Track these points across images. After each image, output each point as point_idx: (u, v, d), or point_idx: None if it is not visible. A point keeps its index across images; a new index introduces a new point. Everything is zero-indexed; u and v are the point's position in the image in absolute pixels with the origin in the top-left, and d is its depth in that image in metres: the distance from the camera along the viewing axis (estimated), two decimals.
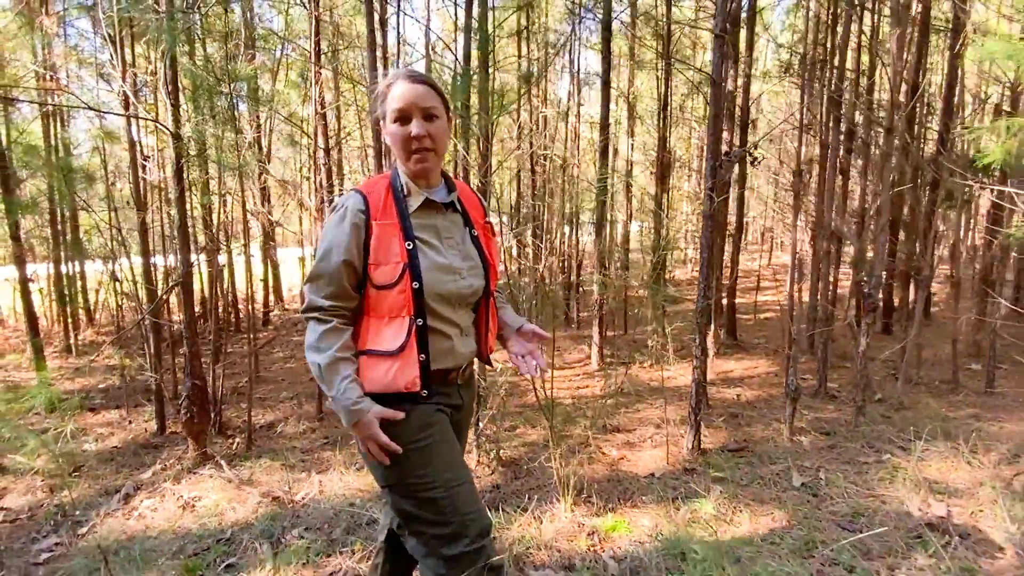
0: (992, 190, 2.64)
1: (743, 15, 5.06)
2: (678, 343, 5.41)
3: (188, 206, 4.38)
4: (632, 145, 8.84)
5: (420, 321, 1.29)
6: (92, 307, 7.98)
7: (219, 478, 3.08)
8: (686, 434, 3.17)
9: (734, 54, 5.37)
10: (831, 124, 3.49)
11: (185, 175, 3.22)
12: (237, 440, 3.63)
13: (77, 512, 2.80)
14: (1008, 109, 3.00)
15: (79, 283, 7.46)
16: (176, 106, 3.08)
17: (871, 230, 3.23)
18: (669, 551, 2.25)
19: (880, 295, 5.77)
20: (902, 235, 4.68)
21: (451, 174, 1.52)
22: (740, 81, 4.92)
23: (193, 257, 4.11)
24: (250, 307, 5.44)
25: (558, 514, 2.54)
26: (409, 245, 1.29)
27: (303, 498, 2.85)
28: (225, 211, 4.62)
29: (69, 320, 6.44)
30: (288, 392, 4.71)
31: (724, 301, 5.50)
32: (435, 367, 1.32)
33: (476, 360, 1.56)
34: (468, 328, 1.41)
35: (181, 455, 3.39)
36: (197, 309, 5.41)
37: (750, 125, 5.39)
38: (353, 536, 2.44)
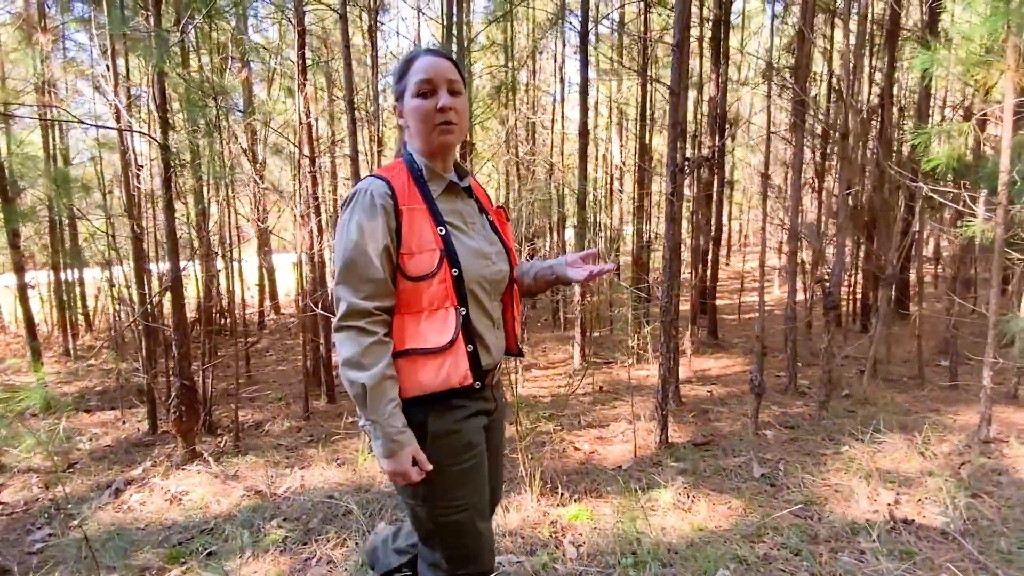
0: (939, 192, 2.76)
1: (728, 23, 5.20)
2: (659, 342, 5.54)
3: (183, 213, 4.54)
4: (622, 150, 9.00)
5: (464, 311, 1.20)
6: (91, 313, 8.14)
7: (206, 474, 3.22)
8: (654, 429, 3.29)
9: (717, 62, 5.52)
10: (794, 130, 3.63)
11: (173, 184, 3.37)
12: (225, 438, 3.76)
13: (69, 506, 2.93)
14: (982, 114, 3.14)
15: (78, 289, 7.62)
16: (164, 118, 3.23)
17: (831, 232, 3.35)
18: (625, 537, 2.37)
19: (857, 295, 5.89)
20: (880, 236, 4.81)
21: None
22: (709, 90, 5.06)
23: (184, 263, 4.27)
24: (234, 312, 5.58)
25: (524, 504, 2.67)
26: (442, 231, 1.20)
27: (284, 491, 2.99)
28: (215, 218, 4.77)
29: (68, 325, 6.60)
30: (277, 393, 4.85)
31: (710, 302, 5.63)
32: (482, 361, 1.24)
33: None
34: (499, 320, 1.33)
35: (170, 452, 3.53)
36: (192, 314, 5.56)
37: (728, 129, 5.53)
38: (329, 526, 2.57)
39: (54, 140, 6.08)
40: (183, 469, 3.29)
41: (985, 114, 2.65)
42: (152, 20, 3.26)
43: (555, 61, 6.81)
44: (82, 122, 3.02)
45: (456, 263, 1.19)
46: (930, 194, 2.82)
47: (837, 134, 2.99)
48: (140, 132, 3.32)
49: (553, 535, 2.45)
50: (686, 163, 2.86)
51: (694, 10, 7.20)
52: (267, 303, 8.91)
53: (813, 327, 5.73)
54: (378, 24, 5.98)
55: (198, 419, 3.57)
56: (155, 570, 2.32)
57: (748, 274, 11.47)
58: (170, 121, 4.18)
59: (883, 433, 3.20)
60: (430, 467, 1.19)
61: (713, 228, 5.51)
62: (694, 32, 6.76)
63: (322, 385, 4.44)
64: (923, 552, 2.25)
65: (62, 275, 6.90)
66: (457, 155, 1.36)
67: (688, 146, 6.64)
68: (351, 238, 1.17)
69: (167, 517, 2.78)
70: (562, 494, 2.77)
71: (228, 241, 5.94)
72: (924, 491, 2.66)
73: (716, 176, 5.41)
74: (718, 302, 7.49)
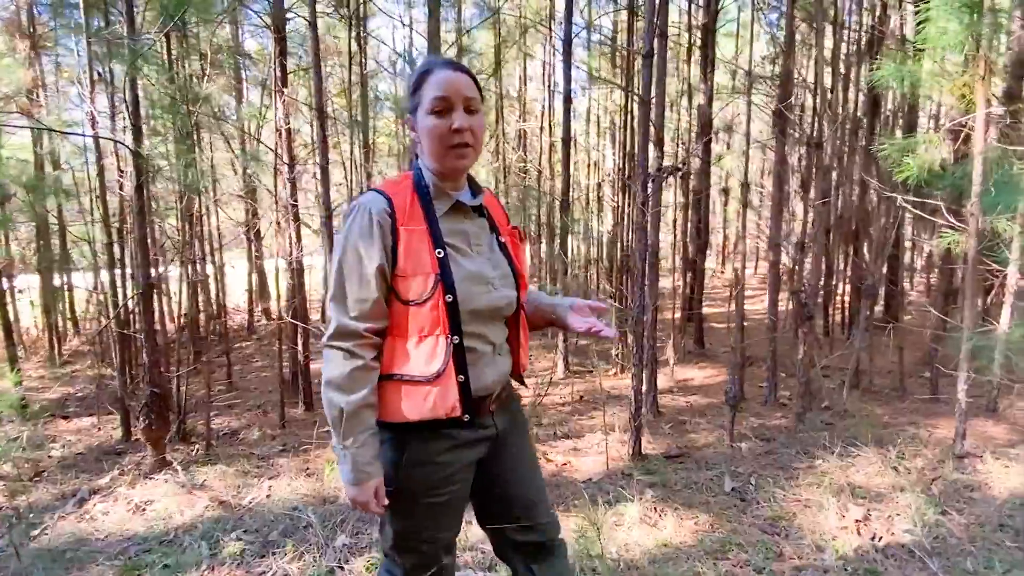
0: (916, 203, 2.73)
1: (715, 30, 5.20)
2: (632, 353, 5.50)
3: (164, 221, 4.52)
4: (614, 157, 8.99)
5: (456, 339, 1.14)
6: (79, 318, 8.13)
7: (173, 483, 3.19)
8: (627, 441, 3.26)
9: (706, 68, 5.52)
10: (776, 139, 3.61)
11: (145, 191, 3.36)
12: (197, 446, 3.73)
13: (31, 515, 2.90)
14: (955, 124, 3.12)
15: (67, 294, 7.62)
16: (136, 125, 3.23)
17: (808, 242, 3.33)
18: (586, 552, 2.33)
19: (846, 305, 5.85)
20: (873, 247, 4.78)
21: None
22: (698, 98, 5.05)
23: (159, 269, 4.25)
24: (217, 318, 5.56)
25: None
26: (439, 253, 1.14)
27: (249, 502, 2.95)
28: (193, 224, 4.75)
29: (53, 330, 6.59)
30: (256, 400, 4.82)
31: (695, 311, 5.59)
32: (474, 391, 1.19)
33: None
34: (502, 346, 1.27)
35: (140, 461, 3.50)
36: (171, 321, 5.55)
37: (714, 137, 5.51)
38: (288, 539, 2.53)
39: (40, 146, 6.09)
40: (151, 478, 3.26)
41: (963, 124, 2.63)
42: (125, 28, 3.27)
43: (543, 69, 6.83)
44: (51, 129, 3.02)
45: (451, 288, 1.13)
46: (904, 204, 2.79)
47: (813, 144, 2.97)
48: (111, 139, 3.30)
49: None
50: (658, 172, 2.84)
51: (683, 18, 7.20)
52: (258, 308, 8.89)
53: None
54: (365, 34, 5.99)
55: (169, 427, 3.55)
56: None
57: (757, 278, 11.44)
58: (151, 127, 4.19)
59: (858, 447, 3.15)
60: (385, 503, 1.17)
61: (700, 236, 5.49)
62: (685, 40, 6.77)
63: (300, 393, 4.41)
64: (887, 571, 2.21)
65: (53, 280, 6.90)
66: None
67: (676, 153, 6.62)
68: (346, 255, 1.14)
69: (128, 528, 2.75)
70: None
71: (211, 247, 5.93)
72: (895, 507, 2.62)
73: (702, 184, 5.39)
74: (710, 311, 7.46)
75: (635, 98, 6.16)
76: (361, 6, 5.40)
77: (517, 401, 1.42)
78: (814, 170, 3.06)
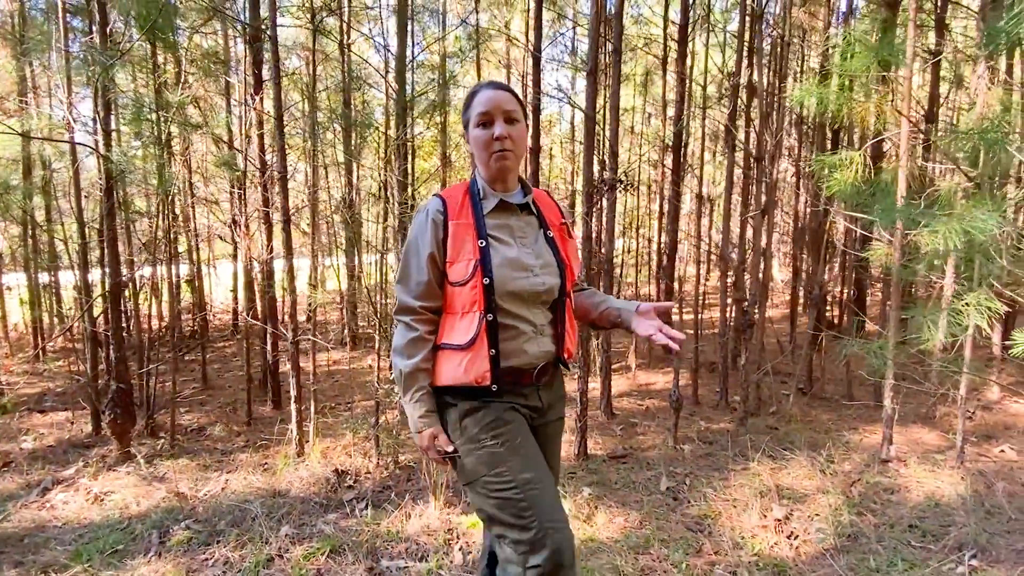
0: (848, 216, 2.86)
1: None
2: (614, 356, 5.62)
3: (153, 221, 4.65)
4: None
5: (490, 316, 1.32)
6: (65, 315, 8.25)
7: (135, 475, 3.31)
8: (573, 441, 3.38)
9: (682, 84, 5.65)
10: (725, 153, 3.75)
11: (115, 193, 3.49)
12: (163, 441, 3.86)
13: None
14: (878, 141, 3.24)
15: (54, 292, 7.75)
16: (107, 130, 3.36)
17: (750, 252, 3.45)
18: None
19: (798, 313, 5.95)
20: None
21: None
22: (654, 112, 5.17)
23: (137, 269, 4.38)
24: (197, 317, 5.68)
25: (427, 512, 2.75)
26: (482, 243, 1.33)
27: (205, 495, 3.08)
28: (169, 226, 4.88)
29: (38, 327, 6.72)
30: (227, 398, 4.95)
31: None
32: (506, 364, 1.33)
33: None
34: (543, 327, 1.40)
35: (106, 454, 3.62)
36: (164, 321, 5.68)
37: (683, 148, 5.65)
38: (235, 528, 2.65)
39: (27, 148, 6.23)
40: (114, 470, 3.38)
41: (882, 141, 2.75)
42: (97, 37, 3.41)
43: (522, 81, 6.98)
44: (20, 133, 3.15)
45: (488, 273, 1.31)
46: (836, 217, 2.92)
47: (753, 158, 3.10)
48: (82, 144, 3.44)
49: (447, 541, 2.53)
50: (601, 184, 2.97)
51: (655, 31, 7.35)
52: (242, 308, 9.02)
53: (766, 345, 5.80)
54: (348, 44, 6.15)
55: (135, 422, 3.67)
56: (58, 567, 2.40)
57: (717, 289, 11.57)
58: (129, 132, 4.33)
59: (792, 451, 3.27)
60: (451, 448, 1.34)
61: (668, 245, 5.61)
62: (659, 51, 6.91)
63: (268, 391, 4.53)
64: (797, 568, 2.32)
65: (37, 277, 7.03)
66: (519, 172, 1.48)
67: (655, 165, 6.73)
68: (408, 246, 1.39)
69: (85, 517, 2.87)
70: (469, 503, 2.85)
71: (191, 247, 6.07)
72: (816, 508, 2.73)
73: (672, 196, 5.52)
74: (689, 317, 7.58)
75: (604, 111, 6.30)
76: (344, 24, 5.55)
77: (562, 399, 1.54)
78: (752, 184, 3.19)
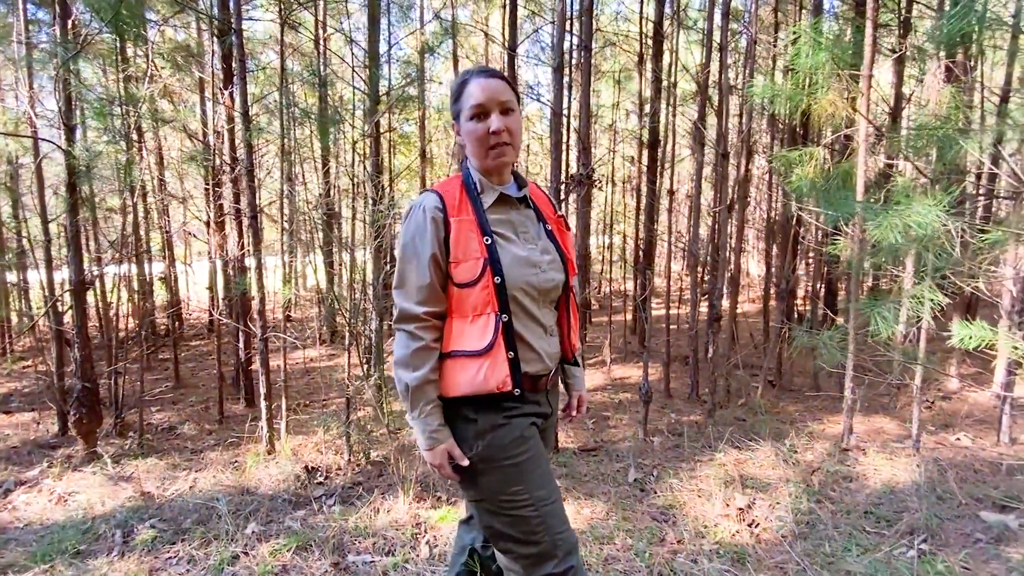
0: (804, 211, 2.93)
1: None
2: (589, 350, 5.67)
3: (120, 218, 4.57)
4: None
5: (505, 317, 1.24)
6: (34, 314, 8.08)
7: (101, 475, 3.27)
8: None
9: (657, 81, 5.70)
10: (693, 151, 3.81)
11: (78, 189, 3.43)
12: (132, 440, 3.81)
13: None
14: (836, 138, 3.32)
15: (22, 291, 7.58)
16: (68, 125, 3.30)
17: (714, 246, 3.51)
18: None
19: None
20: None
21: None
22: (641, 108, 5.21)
23: (102, 267, 4.31)
24: (142, 317, 5.61)
25: (396, 507, 2.76)
26: (487, 240, 1.25)
27: (172, 493, 3.05)
28: (137, 223, 4.81)
29: (6, 326, 6.57)
30: (200, 397, 4.90)
31: (634, 313, 5.77)
32: (524, 370, 1.27)
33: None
34: (552, 327, 1.36)
35: (72, 454, 3.57)
36: (129, 318, 5.58)
37: (659, 144, 5.71)
38: (201, 527, 2.64)
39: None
40: (79, 471, 3.34)
41: (850, 137, 2.82)
42: (58, 30, 3.34)
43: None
44: None
45: (499, 271, 1.23)
46: (799, 213, 2.98)
47: (720, 154, 3.16)
48: (44, 139, 3.37)
49: (414, 536, 2.54)
50: (568, 180, 2.99)
51: (632, 28, 7.40)
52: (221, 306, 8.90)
53: (738, 339, 5.91)
54: (325, 39, 6.09)
55: (101, 421, 3.62)
56: (18, 568, 2.37)
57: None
58: (94, 127, 4.24)
59: (758, 441, 3.34)
60: (466, 462, 1.26)
61: (644, 241, 5.67)
62: (637, 48, 6.96)
63: (240, 389, 4.50)
64: (756, 554, 2.38)
65: (6, 276, 6.87)
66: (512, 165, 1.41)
67: (634, 160, 6.77)
68: (405, 248, 1.27)
69: (48, 517, 2.83)
70: (439, 497, 2.87)
71: (164, 245, 5.98)
72: (777, 496, 2.80)
73: (649, 191, 5.59)
74: (669, 312, 7.67)
75: (578, 109, 6.32)
76: (318, 20, 5.50)
77: (559, 396, 1.51)
78: (718, 179, 3.25)
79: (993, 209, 4.85)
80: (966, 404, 4.09)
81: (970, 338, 1.81)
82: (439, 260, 1.25)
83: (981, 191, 4.49)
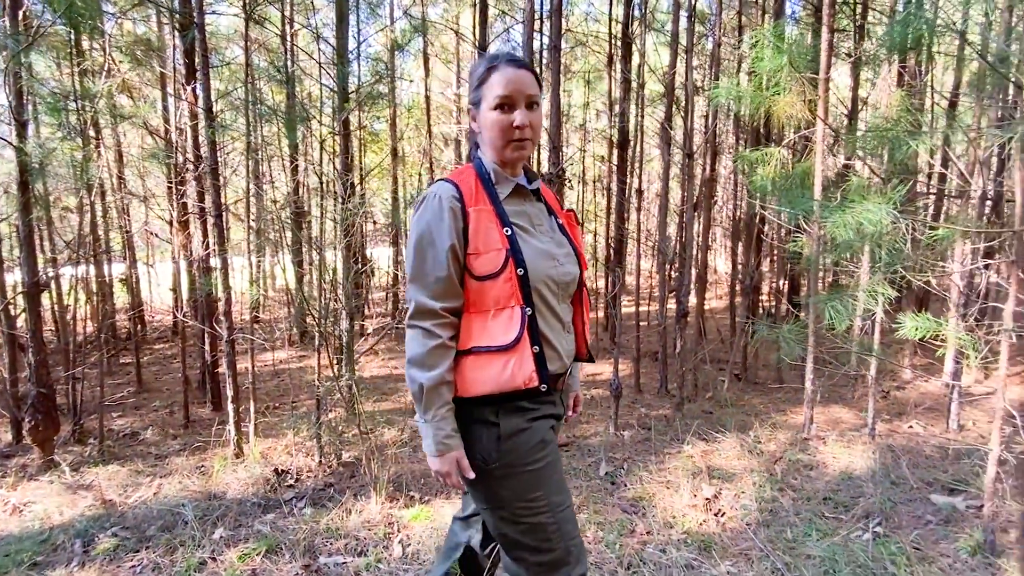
0: (766, 210, 3.04)
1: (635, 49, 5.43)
2: None
3: (77, 217, 4.40)
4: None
5: (530, 311, 1.20)
6: None
7: (59, 484, 3.15)
8: None
9: (627, 82, 5.79)
10: (661, 150, 3.89)
11: (31, 187, 3.30)
12: (91, 447, 3.68)
13: None
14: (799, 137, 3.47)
15: None
16: (20, 121, 3.17)
17: (681, 244, 3.59)
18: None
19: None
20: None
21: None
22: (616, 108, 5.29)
23: (56, 269, 4.15)
24: (101, 320, 5.43)
25: (368, 508, 2.75)
26: (507, 231, 1.21)
27: (135, 501, 2.97)
28: (95, 223, 4.65)
29: None
30: (164, 401, 4.76)
31: (606, 310, 5.85)
32: (549, 366, 1.23)
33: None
34: (569, 324, 1.32)
35: (28, 463, 3.43)
36: (95, 323, 5.38)
37: (628, 143, 5.80)
38: (166, 534, 2.58)
39: None
40: (35, 480, 3.21)
41: (808, 138, 2.94)
42: (8, 21, 3.20)
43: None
44: None
45: (522, 263, 1.19)
46: (761, 210, 3.08)
47: (685, 154, 3.25)
48: None
49: (387, 536, 2.54)
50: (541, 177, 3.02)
51: (601, 29, 7.49)
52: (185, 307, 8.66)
53: (706, 334, 6.05)
54: (293, 34, 5.99)
55: (58, 428, 3.49)
56: None
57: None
58: (49, 123, 4.08)
59: (724, 433, 3.44)
60: (472, 474, 1.21)
61: (614, 240, 5.76)
62: (609, 49, 7.04)
63: (207, 393, 4.39)
64: (722, 542, 2.46)
65: None
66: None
67: (605, 158, 6.84)
68: (420, 239, 1.20)
69: (2, 529, 2.71)
70: (412, 496, 2.86)
71: (124, 246, 5.79)
72: (742, 486, 2.89)
73: (619, 191, 5.68)
74: (640, 309, 7.80)
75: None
76: (284, 15, 5.40)
77: (567, 396, 1.49)
78: (685, 177, 3.33)
79: (943, 208, 5.10)
80: (918, 393, 4.29)
81: (917, 329, 1.91)
82: (457, 252, 1.19)
83: (932, 190, 4.71)
